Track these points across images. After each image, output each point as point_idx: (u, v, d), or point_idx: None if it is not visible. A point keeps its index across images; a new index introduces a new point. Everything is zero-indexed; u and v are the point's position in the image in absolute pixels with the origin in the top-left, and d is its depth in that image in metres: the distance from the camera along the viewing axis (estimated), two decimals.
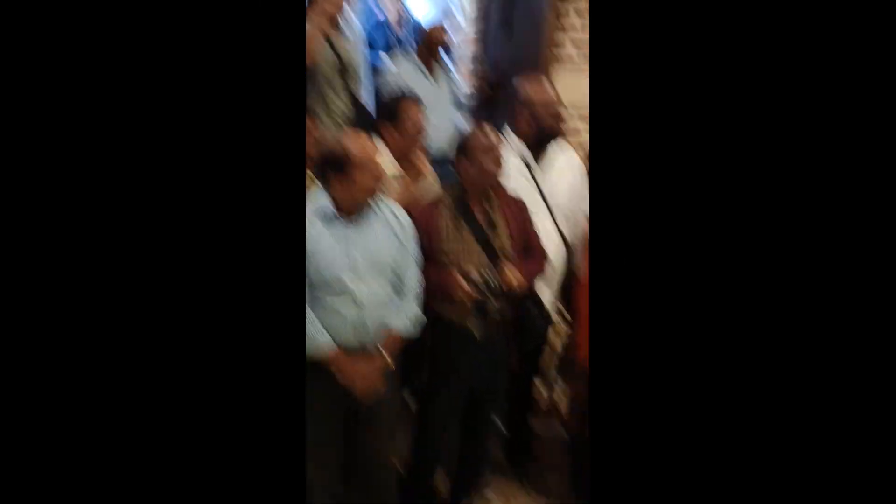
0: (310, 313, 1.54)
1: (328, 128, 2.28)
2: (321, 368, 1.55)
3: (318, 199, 1.57)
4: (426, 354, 1.81)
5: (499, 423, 2.23)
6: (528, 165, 2.05)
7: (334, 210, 1.56)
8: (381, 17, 3.62)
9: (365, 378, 1.59)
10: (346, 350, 1.58)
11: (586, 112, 2.92)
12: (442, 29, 2.80)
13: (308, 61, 2.09)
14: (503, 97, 2.68)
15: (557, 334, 2.32)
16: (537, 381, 2.38)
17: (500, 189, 1.84)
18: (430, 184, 2.05)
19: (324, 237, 1.54)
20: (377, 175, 1.55)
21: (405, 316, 1.65)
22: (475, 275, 1.68)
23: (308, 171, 1.75)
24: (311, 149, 1.76)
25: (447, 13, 3.54)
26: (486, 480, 2.18)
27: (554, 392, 2.64)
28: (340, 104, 2.41)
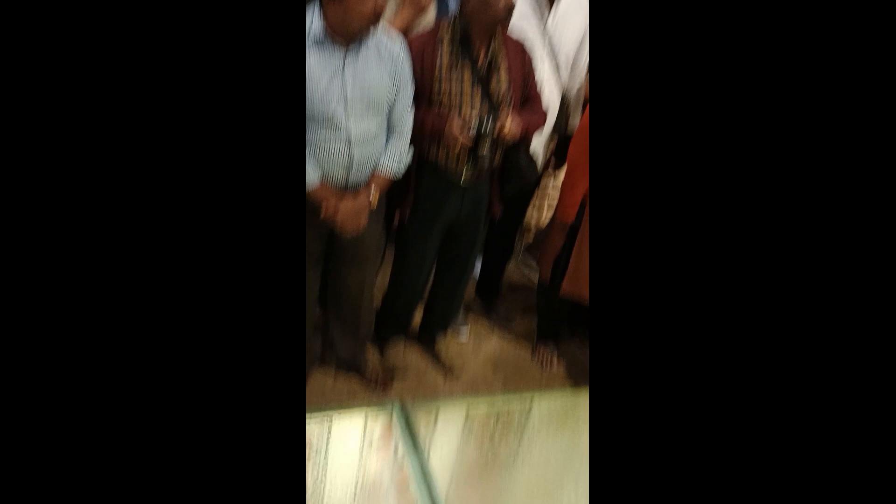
0: None
1: None
2: (308, 200, 1.55)
3: (309, 20, 1.45)
4: (411, 194, 1.81)
5: (476, 265, 2.32)
6: (538, 8, 1.90)
7: (327, 34, 1.45)
8: None
9: (349, 215, 1.60)
10: (331, 185, 1.58)
11: None
12: None
13: None
14: None
15: (544, 186, 2.33)
16: (517, 230, 2.44)
17: (506, 30, 1.72)
18: (432, 14, 1.90)
19: (314, 63, 1.45)
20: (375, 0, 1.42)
21: (394, 156, 1.62)
22: (470, 119, 1.63)
23: None
24: None
25: None
26: (460, 318, 2.33)
27: (531, 240, 2.73)
28: None
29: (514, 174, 1.85)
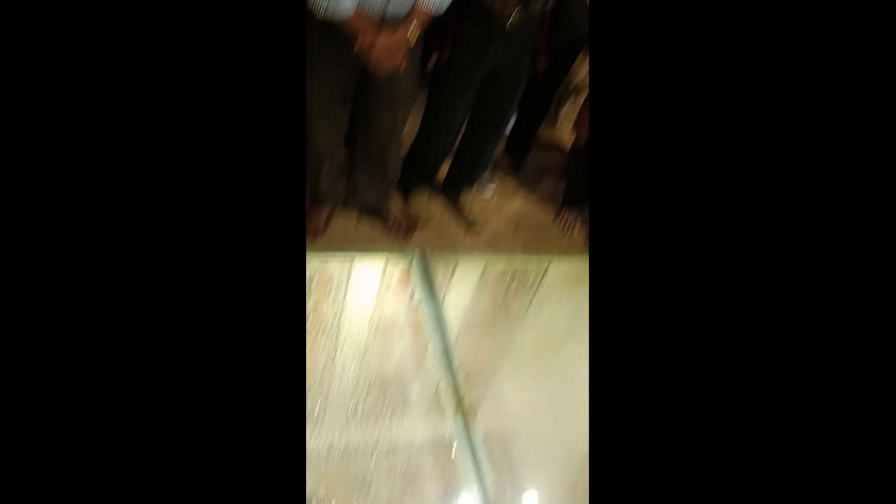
0: None
1: None
2: (341, 31, 1.44)
3: None
4: (451, 35, 1.68)
5: (510, 119, 2.23)
6: None
7: None
8: None
9: (385, 51, 1.49)
10: (370, 16, 1.45)
11: None
12: None
13: None
14: None
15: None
16: (559, 86, 2.30)
17: None
18: None
19: None
20: None
21: None
22: None
23: None
24: None
25: None
26: (487, 174, 2.28)
27: (569, 101, 2.59)
28: None
29: (566, 23, 1.69)
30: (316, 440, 1.68)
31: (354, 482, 1.67)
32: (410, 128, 2.00)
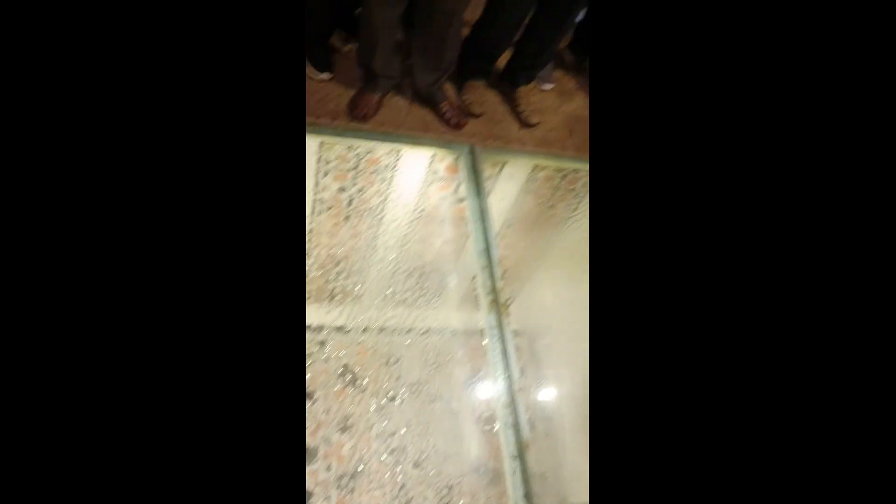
0: None
1: None
2: None
3: None
4: None
5: (578, 12, 2.09)
6: None
7: None
8: None
9: None
10: None
11: None
12: None
13: None
14: None
15: None
16: None
17: None
18: None
19: None
20: None
21: None
22: None
23: None
24: None
25: None
26: (547, 70, 2.18)
27: None
28: None
29: None
30: (354, 318, 1.76)
31: (388, 359, 1.76)
32: (472, 13, 1.90)
